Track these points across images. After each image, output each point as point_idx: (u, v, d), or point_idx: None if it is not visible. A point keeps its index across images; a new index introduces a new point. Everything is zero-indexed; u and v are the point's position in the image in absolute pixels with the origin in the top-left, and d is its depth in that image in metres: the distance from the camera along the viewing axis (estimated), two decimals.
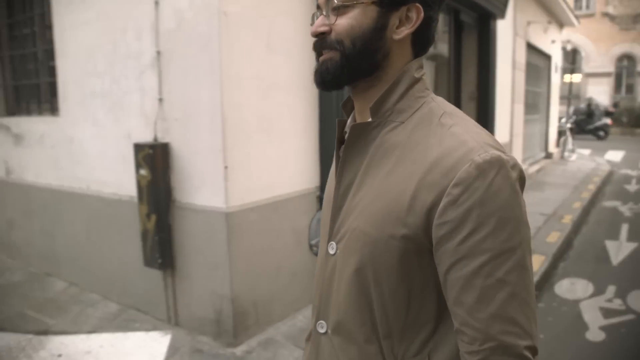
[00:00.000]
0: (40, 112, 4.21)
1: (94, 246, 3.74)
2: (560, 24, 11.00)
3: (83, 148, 3.67)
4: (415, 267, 0.80)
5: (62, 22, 3.64)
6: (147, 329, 3.30)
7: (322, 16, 0.86)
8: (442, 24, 6.26)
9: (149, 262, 3.17)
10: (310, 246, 2.75)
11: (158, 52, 3.05)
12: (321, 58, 0.86)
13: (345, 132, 0.94)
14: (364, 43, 0.83)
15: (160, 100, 3.09)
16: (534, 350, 0.74)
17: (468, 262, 0.73)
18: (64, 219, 3.94)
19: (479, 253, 0.72)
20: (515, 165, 0.76)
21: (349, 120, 0.96)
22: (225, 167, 2.87)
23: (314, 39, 0.87)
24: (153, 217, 3.07)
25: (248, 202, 3.02)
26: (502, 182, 0.73)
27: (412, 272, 0.80)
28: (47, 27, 3.94)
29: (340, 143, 0.93)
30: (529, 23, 8.33)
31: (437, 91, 6.30)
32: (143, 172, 3.04)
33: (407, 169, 0.79)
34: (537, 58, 9.82)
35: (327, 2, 0.85)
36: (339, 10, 0.83)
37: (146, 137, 3.20)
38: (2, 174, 4.49)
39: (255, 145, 3.04)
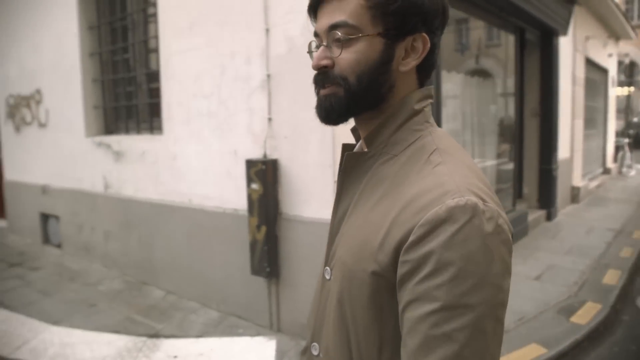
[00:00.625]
0: (138, 130, 4.58)
1: (193, 256, 4.03)
2: (617, 37, 11.01)
3: (186, 164, 4.00)
4: (387, 308, 0.77)
5: (169, 48, 4.00)
6: (252, 335, 3.55)
7: (323, 47, 0.83)
8: (506, 42, 6.44)
9: (256, 270, 3.43)
10: None
11: (268, 76, 3.35)
12: (323, 92, 0.84)
13: None
14: (370, 78, 0.81)
15: (270, 119, 3.37)
16: None
17: (420, 305, 0.69)
18: (163, 231, 4.26)
19: (431, 299, 0.68)
20: (492, 218, 0.71)
21: (357, 146, 0.97)
22: (335, 182, 3.12)
23: (315, 72, 0.85)
24: (263, 229, 3.34)
25: None
26: (472, 232, 0.69)
27: (384, 313, 0.78)
28: (150, 51, 4.32)
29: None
30: (587, 38, 8.41)
31: (496, 108, 6.46)
32: (255, 186, 3.32)
33: (387, 205, 0.78)
34: (594, 72, 9.86)
35: (329, 34, 0.82)
36: (343, 43, 0.80)
37: (253, 154, 3.48)
38: (101, 188, 4.87)
39: None
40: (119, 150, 4.61)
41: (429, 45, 0.82)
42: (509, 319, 3.49)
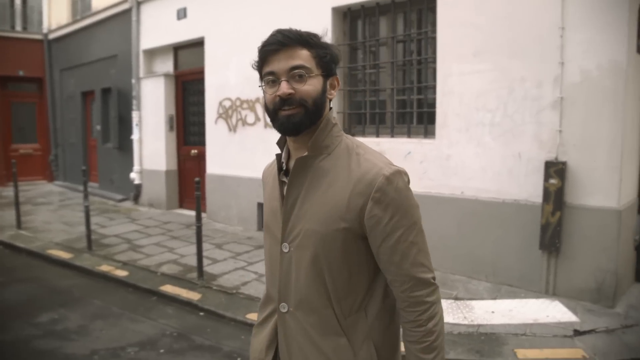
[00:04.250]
0: (364, 134, 5.99)
1: (462, 238, 5.43)
2: None
3: (460, 164, 5.39)
4: (353, 249, 1.35)
5: (449, 69, 5.39)
6: (533, 297, 4.94)
7: (285, 82, 1.32)
8: None
9: (546, 246, 4.83)
10: (634, 240, 4.53)
11: (561, 98, 4.74)
12: (284, 113, 1.34)
13: (282, 162, 1.49)
14: (319, 103, 1.35)
15: (560, 131, 4.77)
16: (434, 278, 1.37)
17: (392, 235, 1.31)
18: (425, 218, 5.64)
19: (398, 229, 1.31)
20: (406, 173, 1.36)
21: (283, 154, 1.50)
22: (620, 180, 4.51)
23: (277, 99, 1.34)
24: (557, 214, 4.74)
25: (625, 203, 4.67)
26: (403, 184, 1.32)
27: (351, 253, 1.35)
28: (397, 68, 5.71)
29: (280, 170, 1.48)
30: None
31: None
32: (553, 181, 4.72)
33: (340, 185, 1.33)
34: None
35: (289, 73, 1.32)
36: (302, 78, 1.32)
37: (538, 157, 4.88)
38: None
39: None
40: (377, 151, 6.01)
41: (339, 81, 1.44)
42: None
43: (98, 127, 11.47)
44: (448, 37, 5.42)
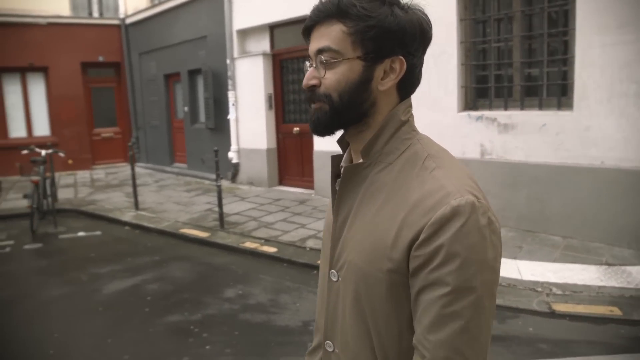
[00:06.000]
0: (490, 107, 6.23)
1: (600, 207, 5.68)
2: None
3: (601, 134, 5.61)
4: (404, 299, 0.99)
5: (589, 42, 5.58)
6: None
7: (312, 68, 1.06)
8: None
9: None
10: None
11: None
12: (313, 107, 1.08)
13: (341, 167, 1.16)
14: (351, 96, 1.03)
15: None
16: None
17: (432, 289, 0.93)
18: (560, 188, 5.92)
19: (442, 284, 0.91)
20: (485, 213, 0.95)
21: (344, 156, 1.19)
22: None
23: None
24: None
25: None
26: (472, 226, 0.92)
27: (402, 304, 1.00)
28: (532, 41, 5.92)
29: (336, 177, 1.15)
30: None
31: None
32: None
33: (392, 209, 1.00)
34: None
35: (316, 57, 1.04)
36: (327, 65, 1.03)
37: None
38: (476, 155, 6.58)
39: None
40: (507, 123, 6.27)
41: (405, 66, 1.03)
42: None
43: (185, 109, 11.99)
44: (590, 9, 5.59)
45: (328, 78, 1.03)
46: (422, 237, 0.94)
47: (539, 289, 4.60)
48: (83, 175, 13.11)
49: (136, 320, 4.57)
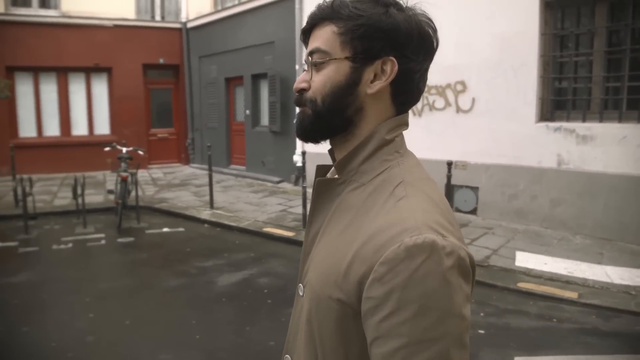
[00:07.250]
0: (568, 119, 6.60)
1: None
2: None
3: None
4: (352, 332, 0.91)
5: None
6: None
7: (305, 72, 1.04)
8: None
9: None
10: None
11: None
12: (298, 110, 1.06)
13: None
14: (333, 100, 0.98)
15: None
16: None
17: (385, 342, 0.81)
18: (639, 198, 6.26)
19: (396, 336, 0.80)
20: (452, 253, 0.82)
21: (331, 169, 1.14)
22: None
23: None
24: None
25: None
26: (431, 268, 0.80)
27: (349, 337, 0.91)
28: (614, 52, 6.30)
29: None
30: None
31: None
32: None
33: (352, 234, 0.92)
34: None
35: (308, 59, 1.01)
36: (316, 67, 0.99)
37: None
38: (553, 164, 6.96)
39: None
40: (585, 134, 6.64)
41: (396, 68, 0.96)
42: None
43: (247, 112, 12.54)
44: None
45: (315, 81, 1.00)
46: (372, 276, 0.84)
47: (633, 292, 4.96)
48: (142, 174, 13.70)
49: (264, 310, 4.95)
